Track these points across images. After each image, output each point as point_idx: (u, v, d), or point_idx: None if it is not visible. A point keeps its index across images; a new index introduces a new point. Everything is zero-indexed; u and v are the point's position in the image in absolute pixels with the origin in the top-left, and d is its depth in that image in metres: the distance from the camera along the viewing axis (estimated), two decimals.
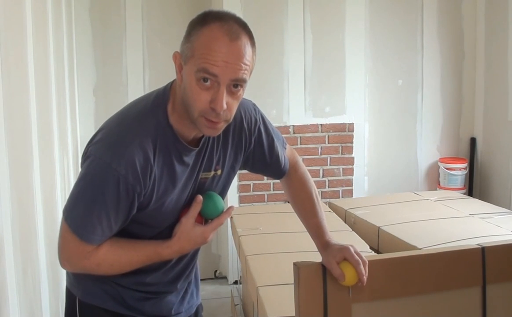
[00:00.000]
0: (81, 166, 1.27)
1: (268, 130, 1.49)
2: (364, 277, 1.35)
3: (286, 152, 1.56)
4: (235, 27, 1.17)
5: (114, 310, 1.39)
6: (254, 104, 1.48)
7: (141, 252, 1.31)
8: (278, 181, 1.65)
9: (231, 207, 1.40)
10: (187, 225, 1.32)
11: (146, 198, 1.26)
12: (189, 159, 1.31)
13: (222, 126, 1.23)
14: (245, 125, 1.42)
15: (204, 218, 1.36)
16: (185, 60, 1.19)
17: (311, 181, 1.58)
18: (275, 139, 1.51)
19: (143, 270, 1.35)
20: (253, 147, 1.46)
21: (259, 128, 1.46)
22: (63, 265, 1.30)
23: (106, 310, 1.39)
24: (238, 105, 1.35)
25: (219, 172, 1.40)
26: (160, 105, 1.27)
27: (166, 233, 1.35)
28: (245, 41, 1.18)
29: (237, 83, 1.18)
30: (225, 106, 1.17)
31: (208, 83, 1.16)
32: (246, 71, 1.18)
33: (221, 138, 1.38)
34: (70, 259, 1.27)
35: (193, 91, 1.18)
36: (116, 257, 1.28)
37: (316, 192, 1.56)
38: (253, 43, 1.21)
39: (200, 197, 1.33)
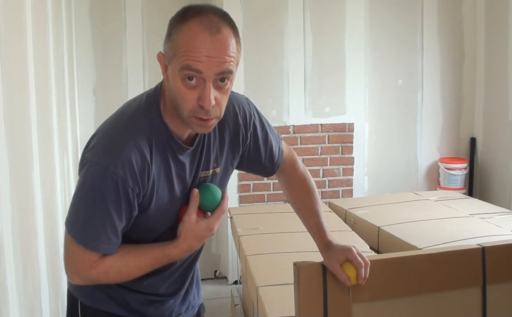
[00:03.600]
0: (79, 173, 1.25)
1: (263, 124, 1.48)
2: (363, 281, 1.35)
3: (282, 146, 1.55)
4: (215, 20, 1.15)
5: (117, 314, 1.38)
6: (247, 99, 1.46)
7: (149, 256, 1.29)
8: (278, 180, 1.64)
9: (225, 191, 1.37)
10: (191, 222, 1.30)
11: (147, 199, 1.25)
12: (185, 158, 1.29)
13: (213, 123, 1.21)
14: (241, 121, 1.40)
15: (204, 211, 1.34)
16: (169, 60, 1.18)
17: (312, 180, 1.56)
18: (269, 133, 1.49)
19: (149, 272, 1.34)
20: (249, 143, 1.45)
21: (254, 123, 1.44)
22: (71, 278, 1.27)
23: (109, 314, 1.38)
24: (232, 101, 1.35)
25: (217, 170, 1.39)
26: (152, 105, 1.26)
27: (167, 235, 1.33)
28: (226, 33, 1.15)
29: (223, 77, 1.16)
30: (213, 102, 1.15)
31: (193, 81, 1.14)
32: (231, 63, 1.16)
33: (218, 137, 1.36)
34: (78, 271, 1.24)
35: (179, 91, 1.16)
36: (123, 262, 1.26)
37: (316, 191, 1.55)
38: (236, 33, 1.18)
39: (196, 190, 1.31)
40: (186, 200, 1.33)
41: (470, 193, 4.27)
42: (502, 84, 4.01)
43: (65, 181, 2.82)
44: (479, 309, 1.48)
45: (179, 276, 1.45)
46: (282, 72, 4.03)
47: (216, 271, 4.15)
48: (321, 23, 4.04)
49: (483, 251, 1.50)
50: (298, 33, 4.01)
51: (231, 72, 1.17)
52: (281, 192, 3.63)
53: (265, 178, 4.01)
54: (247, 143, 1.44)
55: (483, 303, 1.49)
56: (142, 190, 1.22)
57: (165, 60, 1.20)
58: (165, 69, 1.21)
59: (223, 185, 1.43)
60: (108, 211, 1.19)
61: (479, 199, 3.79)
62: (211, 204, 1.34)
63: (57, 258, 2.34)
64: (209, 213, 1.35)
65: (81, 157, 1.27)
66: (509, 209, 3.54)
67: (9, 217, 1.47)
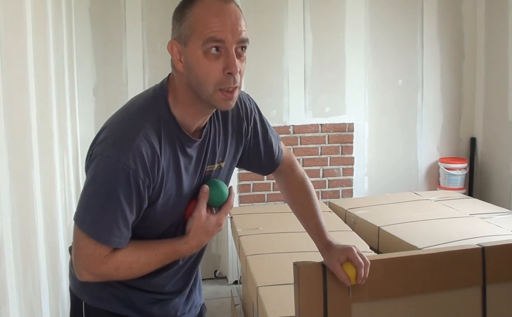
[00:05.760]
0: (86, 169, 1.25)
1: (262, 120, 1.50)
2: (362, 280, 1.35)
3: (281, 146, 1.56)
4: None
5: (122, 314, 1.37)
6: (248, 94, 1.49)
7: (159, 251, 1.29)
8: (276, 182, 1.64)
9: (231, 187, 1.40)
10: (201, 219, 1.32)
11: (156, 192, 1.25)
12: (192, 151, 1.31)
13: (236, 95, 1.24)
14: (243, 115, 1.43)
15: (210, 207, 1.36)
16: (185, 41, 1.20)
17: (310, 181, 1.58)
18: (269, 130, 1.52)
19: (155, 270, 1.34)
20: (249, 138, 1.47)
21: (254, 118, 1.47)
22: (80, 275, 1.26)
23: (114, 314, 1.37)
24: None
25: (222, 165, 1.40)
26: (160, 98, 1.27)
27: (171, 232, 1.34)
28: (235, 5, 1.23)
29: (242, 45, 1.21)
30: (238, 68, 1.20)
31: (216, 52, 1.18)
32: (246, 32, 1.21)
33: (222, 130, 1.38)
34: (88, 266, 1.23)
35: (202, 66, 1.19)
36: (134, 258, 1.26)
37: (314, 192, 1.56)
38: (240, 10, 1.25)
39: (206, 187, 1.33)
40: (192, 195, 1.34)
41: (470, 193, 4.27)
42: (502, 84, 4.01)
43: (65, 181, 2.82)
44: (479, 309, 1.48)
45: (184, 274, 1.45)
46: (282, 72, 4.03)
47: (216, 271, 4.15)
48: (321, 22, 4.04)
49: (483, 251, 1.50)
50: (298, 32, 4.01)
51: (247, 40, 1.22)
52: None
53: (265, 178, 4.01)
54: (248, 138, 1.46)
55: (483, 303, 1.49)
56: (152, 182, 1.23)
57: (178, 45, 1.22)
58: (179, 56, 1.23)
59: (227, 180, 1.45)
60: (120, 204, 1.19)
61: (479, 199, 3.79)
62: (219, 199, 1.36)
63: (57, 258, 2.34)
64: (214, 209, 1.37)
65: (88, 152, 1.26)
66: (509, 209, 3.54)
67: (9, 217, 1.47)
